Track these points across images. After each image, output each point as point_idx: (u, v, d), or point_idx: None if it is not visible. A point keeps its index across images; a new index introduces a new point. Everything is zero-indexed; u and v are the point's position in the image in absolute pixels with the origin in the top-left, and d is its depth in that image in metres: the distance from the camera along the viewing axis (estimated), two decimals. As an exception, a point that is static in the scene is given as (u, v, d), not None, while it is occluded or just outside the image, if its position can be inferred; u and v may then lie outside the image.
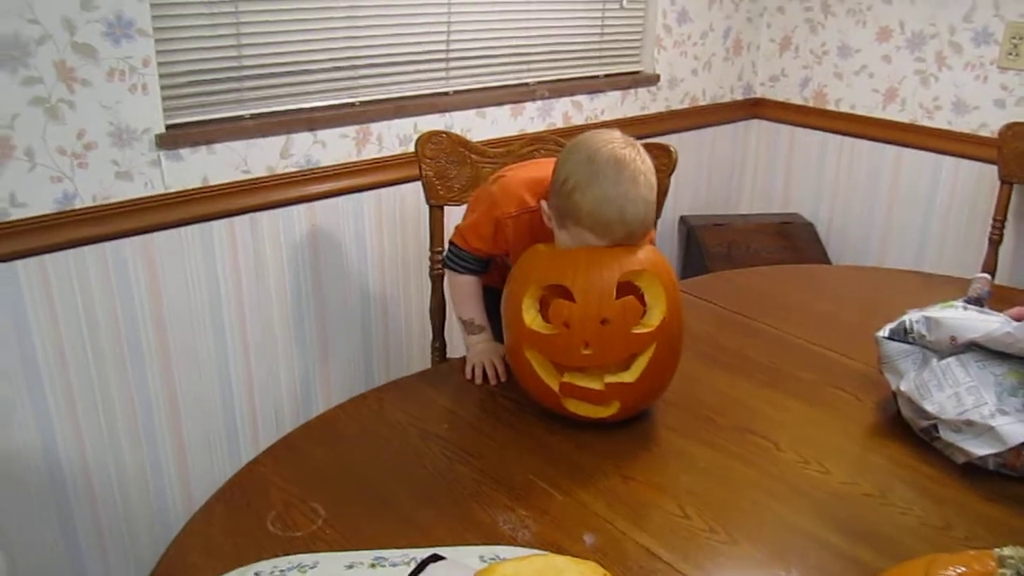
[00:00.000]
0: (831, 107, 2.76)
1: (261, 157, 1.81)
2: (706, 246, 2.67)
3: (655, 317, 1.17)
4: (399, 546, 0.96)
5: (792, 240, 2.73)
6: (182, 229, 1.72)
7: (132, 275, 1.68)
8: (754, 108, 2.95)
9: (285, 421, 2.00)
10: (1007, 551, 0.61)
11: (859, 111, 2.69)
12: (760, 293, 1.75)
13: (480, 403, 1.32)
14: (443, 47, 2.08)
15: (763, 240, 2.70)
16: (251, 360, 1.91)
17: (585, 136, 1.21)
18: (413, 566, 0.87)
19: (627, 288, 1.16)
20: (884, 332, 1.29)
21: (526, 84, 2.28)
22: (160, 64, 1.63)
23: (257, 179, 1.81)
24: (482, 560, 0.93)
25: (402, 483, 1.09)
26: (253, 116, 1.80)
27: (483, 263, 1.40)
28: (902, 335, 1.28)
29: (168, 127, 1.67)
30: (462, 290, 1.41)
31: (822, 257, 2.71)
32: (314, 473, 1.11)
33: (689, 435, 1.22)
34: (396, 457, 1.16)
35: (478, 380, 1.36)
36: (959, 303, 1.29)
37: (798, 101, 2.85)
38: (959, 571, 0.63)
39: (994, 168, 2.24)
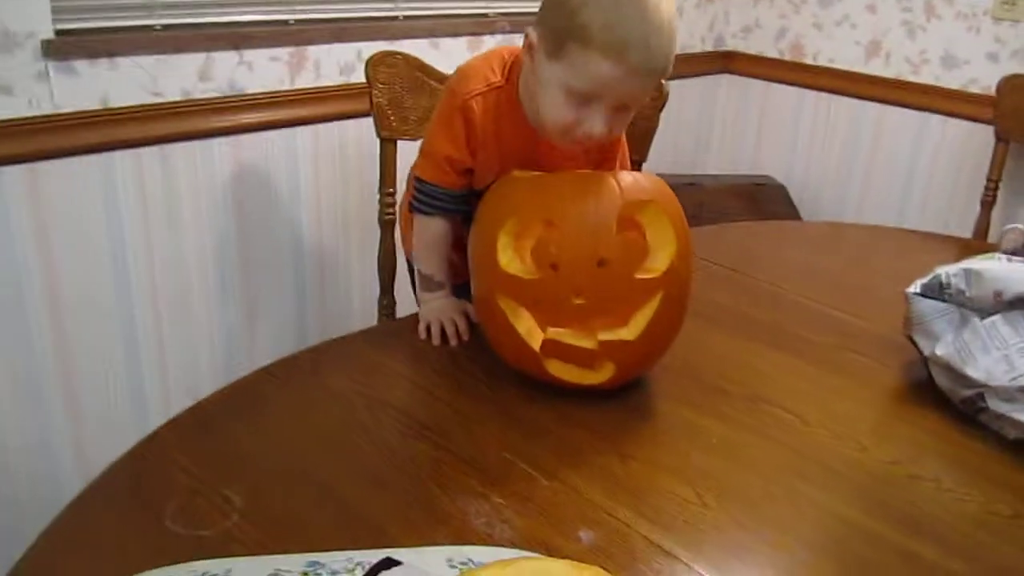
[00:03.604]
0: (808, 61, 2.59)
1: (175, 77, 1.55)
2: (675, 206, 2.49)
3: (661, 260, 0.95)
4: (340, 548, 0.74)
5: (763, 204, 2.57)
6: (76, 158, 1.47)
7: (13, 211, 1.42)
8: (725, 61, 2.77)
9: (203, 388, 1.74)
10: None
11: (839, 65, 2.52)
12: (751, 249, 1.58)
13: (441, 367, 1.09)
14: (393, -36, 1.84)
15: (734, 202, 2.54)
16: (162, 317, 1.67)
17: None
18: (359, 575, 0.67)
19: (626, 225, 0.95)
20: (915, 288, 1.11)
21: (486, 15, 2.06)
22: (50, -45, 1.36)
23: (170, 103, 1.56)
24: (451, 565, 0.72)
25: (344, 465, 0.87)
26: (166, 27, 1.54)
27: (455, 198, 1.14)
28: (936, 291, 1.09)
29: (58, 32, 1.40)
30: (425, 237, 1.18)
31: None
32: (230, 452, 0.88)
33: (695, 406, 1.01)
34: (336, 432, 0.93)
35: (435, 340, 1.13)
36: (1000, 255, 1.13)
37: (773, 54, 2.68)
38: None
39: (983, 127, 2.12)
